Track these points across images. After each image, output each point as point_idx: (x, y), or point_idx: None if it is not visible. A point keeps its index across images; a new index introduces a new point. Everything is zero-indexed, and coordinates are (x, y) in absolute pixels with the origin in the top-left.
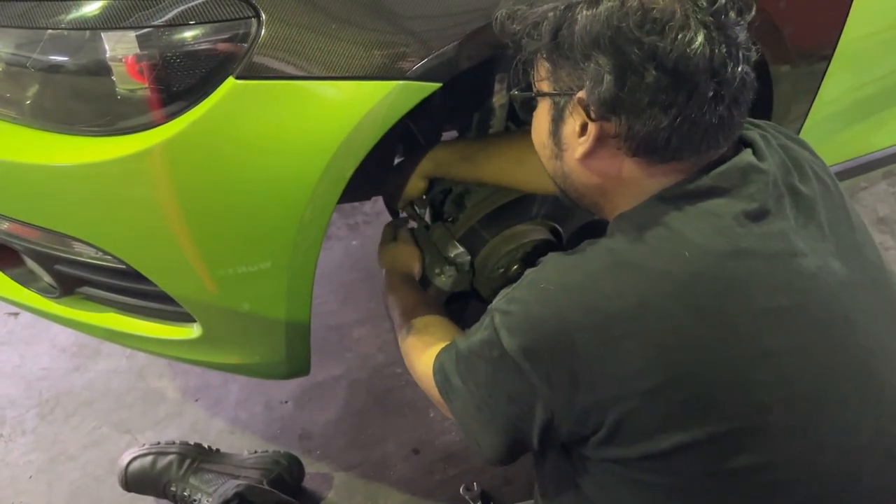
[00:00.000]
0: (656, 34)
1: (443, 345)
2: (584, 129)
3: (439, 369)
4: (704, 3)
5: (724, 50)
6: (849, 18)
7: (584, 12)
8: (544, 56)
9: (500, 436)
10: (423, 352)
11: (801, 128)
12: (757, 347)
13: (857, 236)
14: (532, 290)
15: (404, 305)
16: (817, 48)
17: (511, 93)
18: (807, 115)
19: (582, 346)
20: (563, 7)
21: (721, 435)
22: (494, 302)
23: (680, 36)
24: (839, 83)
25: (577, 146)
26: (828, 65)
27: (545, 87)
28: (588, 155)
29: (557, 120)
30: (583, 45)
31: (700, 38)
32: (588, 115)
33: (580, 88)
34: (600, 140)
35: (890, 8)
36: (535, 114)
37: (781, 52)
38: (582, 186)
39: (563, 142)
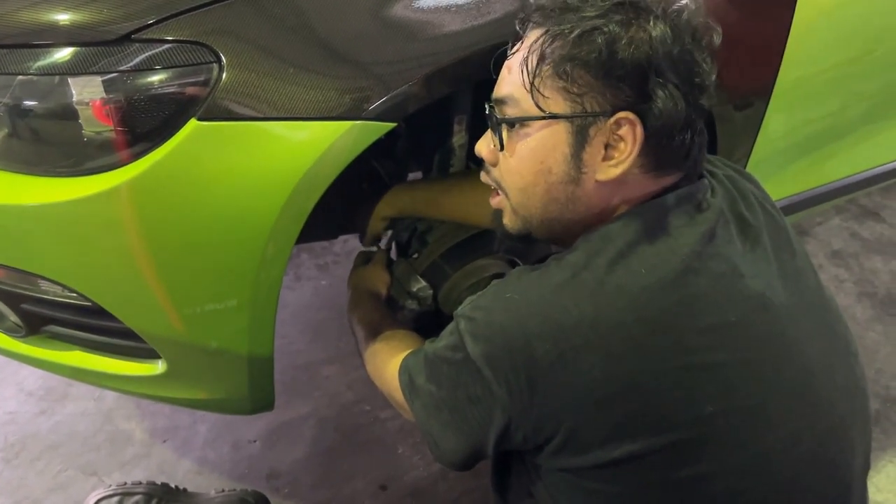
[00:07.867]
0: (707, 57)
1: (410, 351)
2: (607, 150)
3: (405, 370)
4: None
5: None
6: (783, 63)
7: (652, 31)
8: (573, 71)
9: (458, 438)
10: (392, 356)
11: (746, 163)
12: (703, 360)
13: (798, 262)
14: (496, 298)
15: (370, 318)
16: (754, 90)
17: (504, 117)
18: (751, 151)
19: (540, 354)
20: (617, 21)
21: (668, 445)
22: (460, 308)
23: (710, 60)
24: (781, 122)
25: (607, 168)
26: (766, 106)
27: (559, 107)
28: (619, 175)
29: (581, 142)
30: (649, 64)
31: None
32: (616, 135)
33: (619, 108)
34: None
35: (825, 53)
36: (527, 140)
37: (719, 95)
38: (585, 209)
39: (584, 165)
